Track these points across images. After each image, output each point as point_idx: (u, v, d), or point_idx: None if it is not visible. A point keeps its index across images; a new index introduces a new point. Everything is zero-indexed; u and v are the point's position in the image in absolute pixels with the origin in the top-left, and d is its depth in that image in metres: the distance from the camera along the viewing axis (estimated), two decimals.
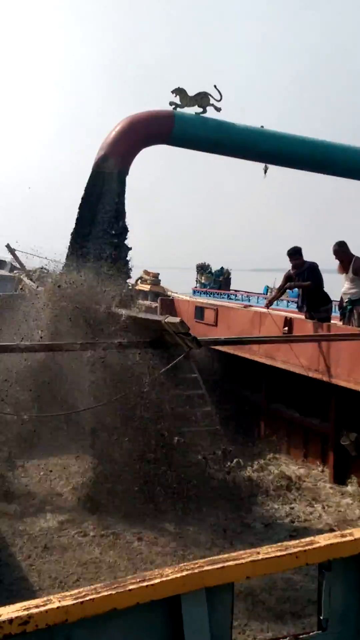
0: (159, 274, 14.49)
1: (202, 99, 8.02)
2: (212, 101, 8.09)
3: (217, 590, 1.95)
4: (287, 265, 7.46)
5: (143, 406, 6.80)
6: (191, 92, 7.96)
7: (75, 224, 8.30)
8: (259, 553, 2.06)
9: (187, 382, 7.82)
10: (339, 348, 6.86)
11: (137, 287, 12.58)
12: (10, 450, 7.09)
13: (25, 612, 1.64)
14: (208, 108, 8.18)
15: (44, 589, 5.25)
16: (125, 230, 8.34)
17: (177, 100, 8.04)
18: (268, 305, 8.40)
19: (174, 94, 7.88)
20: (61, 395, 7.12)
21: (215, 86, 8.14)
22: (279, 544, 2.19)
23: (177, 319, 6.62)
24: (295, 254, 7.16)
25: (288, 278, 7.75)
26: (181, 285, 17.07)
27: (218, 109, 8.11)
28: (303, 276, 7.29)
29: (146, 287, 13.52)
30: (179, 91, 7.79)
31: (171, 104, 8.14)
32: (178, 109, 8.20)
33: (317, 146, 8.40)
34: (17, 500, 6.56)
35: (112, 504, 6.41)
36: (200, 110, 8.16)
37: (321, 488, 7.29)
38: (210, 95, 8.09)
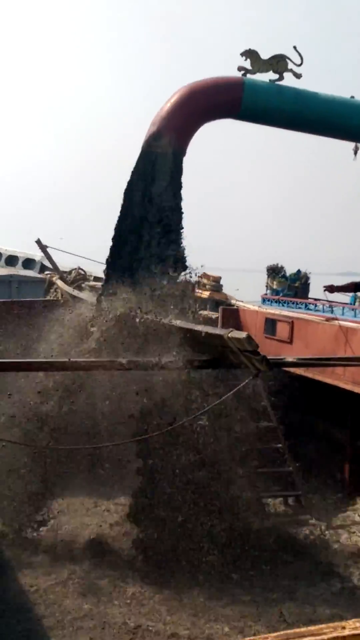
0: (220, 277, 14.46)
1: (278, 63, 7.81)
2: (290, 65, 7.90)
3: None
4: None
5: (198, 440, 6.80)
6: (265, 55, 7.82)
7: (119, 217, 8.08)
8: (344, 628, 2.22)
9: (254, 412, 7.89)
10: None
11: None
12: (44, 484, 7.14)
13: None
14: (285, 74, 8.01)
15: None
16: (180, 231, 8.10)
17: (247, 64, 7.78)
18: None
19: (244, 57, 7.65)
20: (98, 424, 7.17)
21: (295, 47, 7.96)
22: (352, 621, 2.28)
23: (243, 334, 6.17)
24: None
25: None
26: (248, 291, 16.73)
27: (298, 76, 7.88)
28: None
29: (205, 294, 13.48)
30: (250, 53, 7.57)
31: (240, 69, 7.85)
32: (249, 75, 7.94)
33: None
34: (46, 551, 6.59)
35: (162, 561, 6.49)
36: (276, 77, 7.95)
37: None
38: (289, 58, 7.91)
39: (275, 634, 2.14)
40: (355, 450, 8.68)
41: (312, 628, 2.23)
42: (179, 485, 6.73)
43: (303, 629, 2.23)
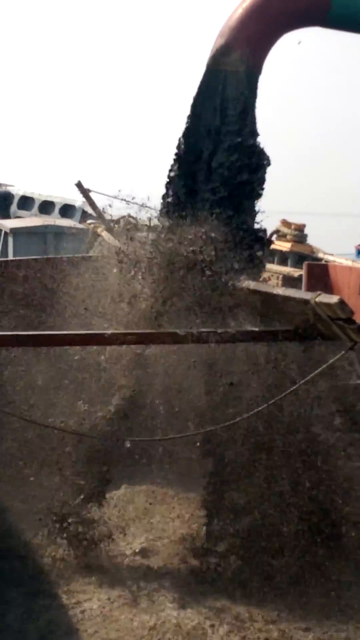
0: (304, 225, 14.35)
1: None
2: None
3: None
4: None
5: (283, 429, 6.37)
6: None
7: (179, 149, 7.65)
8: None
9: (350, 392, 7.27)
10: None
11: (272, 246, 11.93)
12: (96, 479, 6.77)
13: None
14: None
15: None
16: (261, 154, 7.47)
17: None
18: None
19: None
20: (160, 408, 6.87)
21: None
22: None
23: (334, 298, 5.70)
24: None
25: None
26: (340, 241, 16.63)
27: None
28: None
29: (285, 246, 13.62)
30: None
31: None
32: None
33: None
34: (100, 567, 6.32)
35: (262, 581, 6.04)
36: None
37: None
38: None
39: None
40: None
41: None
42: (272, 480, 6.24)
43: None
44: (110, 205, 10.03)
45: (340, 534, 6.39)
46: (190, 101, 7.91)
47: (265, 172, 7.92)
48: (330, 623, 5.77)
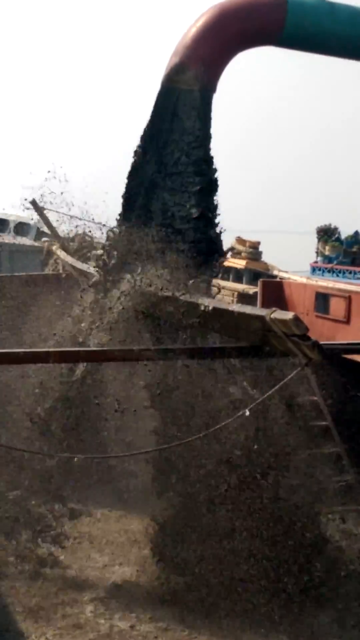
0: (259, 242, 14.64)
1: None
2: None
3: None
4: None
5: (235, 447, 6.49)
6: None
7: (133, 167, 8.10)
8: None
9: (303, 408, 7.40)
10: None
11: (226, 263, 12.80)
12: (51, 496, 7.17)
13: None
14: None
15: None
16: (213, 178, 8.11)
17: None
18: None
19: None
20: (110, 424, 7.34)
21: None
22: None
23: (289, 314, 5.84)
24: None
25: None
26: (294, 259, 17.16)
27: None
28: None
29: (240, 264, 13.88)
30: None
31: None
32: None
33: None
34: (54, 580, 6.59)
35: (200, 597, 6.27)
36: None
37: None
38: None
39: None
40: None
41: None
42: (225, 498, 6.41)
43: None
44: (64, 222, 10.51)
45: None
46: (146, 119, 8.19)
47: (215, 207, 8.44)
48: None
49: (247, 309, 6.64)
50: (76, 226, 10.16)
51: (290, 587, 6.34)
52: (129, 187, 8.69)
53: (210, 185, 8.53)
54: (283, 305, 9.54)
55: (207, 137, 8.37)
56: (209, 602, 6.31)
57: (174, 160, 8.14)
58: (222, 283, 11.48)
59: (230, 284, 13.09)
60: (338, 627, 6.37)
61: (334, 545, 7.11)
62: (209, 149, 8.38)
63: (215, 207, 8.64)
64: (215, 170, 8.52)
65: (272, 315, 5.64)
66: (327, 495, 7.32)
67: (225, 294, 11.85)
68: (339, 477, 7.84)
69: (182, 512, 6.66)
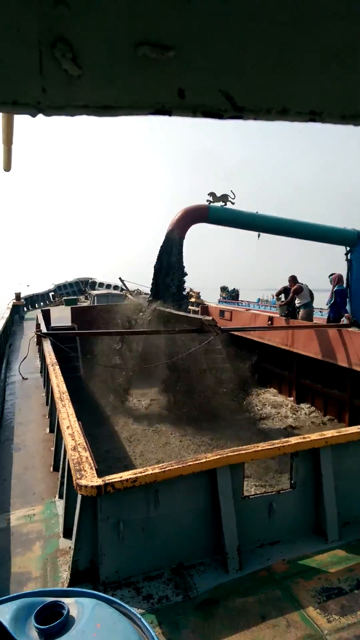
0: (199, 292, 20.15)
1: (223, 197, 12.40)
2: (229, 199, 12.41)
3: (236, 466, 3.44)
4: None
5: (193, 365, 10.97)
6: (219, 194, 12.18)
7: (155, 272, 12.28)
8: (258, 446, 3.50)
9: (216, 352, 12.11)
10: (297, 332, 11.60)
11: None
12: (125, 384, 11.30)
13: (134, 475, 3.18)
14: (228, 204, 12.47)
15: (136, 460, 8.06)
16: (183, 272, 12.43)
17: (210, 198, 12.38)
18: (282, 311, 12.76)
19: (209, 195, 12.08)
20: (151, 359, 11.16)
21: (231, 191, 12.34)
22: (270, 441, 3.72)
23: (209, 317, 10.97)
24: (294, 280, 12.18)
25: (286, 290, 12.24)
26: (212, 297, 24.47)
27: (233, 203, 12.52)
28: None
29: (193, 299, 18.52)
30: (212, 194, 11.92)
31: (207, 200, 12.44)
32: (211, 204, 12.38)
33: (291, 223, 12.68)
34: (127, 412, 10.66)
35: (178, 417, 10.12)
36: (223, 204, 12.40)
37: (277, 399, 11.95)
38: (229, 195, 12.37)
39: (229, 449, 3.40)
40: (259, 367, 13.20)
41: (245, 447, 3.58)
42: (185, 383, 10.70)
43: (241, 447, 3.55)
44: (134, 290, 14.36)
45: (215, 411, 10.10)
46: (158, 252, 12.45)
47: (184, 282, 12.41)
48: None
49: (196, 316, 10.98)
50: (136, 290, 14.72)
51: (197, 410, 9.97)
52: (154, 280, 12.63)
53: (180, 281, 12.32)
54: (209, 314, 14.06)
55: (181, 258, 12.35)
56: (194, 415, 9.98)
57: (168, 271, 12.11)
58: (190, 308, 14.94)
59: (190, 307, 15.70)
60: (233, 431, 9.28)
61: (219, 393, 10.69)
62: (182, 263, 12.31)
63: (183, 284, 12.50)
64: (184, 274, 12.44)
65: (204, 318, 10.08)
66: (221, 380, 11.35)
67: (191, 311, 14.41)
68: (230, 378, 11.56)
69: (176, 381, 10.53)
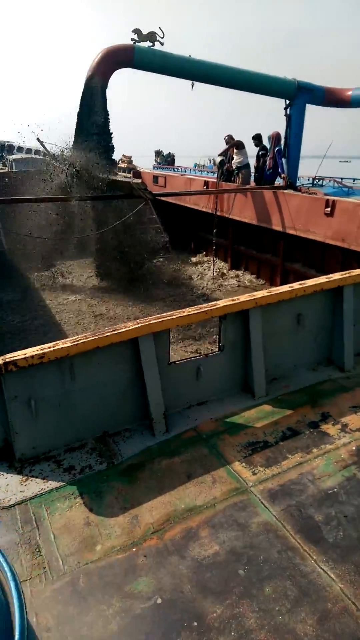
0: (131, 157, 19.09)
1: (151, 36, 10.84)
2: (158, 37, 10.82)
3: (160, 333, 3.29)
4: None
5: (124, 234, 10.64)
6: (145, 32, 10.54)
7: (76, 125, 11.02)
8: (184, 312, 3.42)
9: (149, 221, 12.13)
10: (230, 197, 11.44)
11: (118, 165, 15.66)
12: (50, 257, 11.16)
13: (41, 351, 2.98)
14: (156, 43, 10.86)
15: (67, 330, 8.08)
16: (109, 130, 11.00)
17: (135, 36, 10.76)
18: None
19: (134, 33, 10.45)
20: (75, 228, 10.61)
21: (160, 27, 10.77)
22: (197, 306, 3.56)
23: (139, 180, 10.21)
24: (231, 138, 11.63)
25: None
26: (145, 164, 23.28)
27: (162, 44, 10.86)
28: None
29: (124, 165, 17.89)
30: (136, 31, 10.32)
31: (132, 39, 10.78)
32: (137, 43, 10.72)
33: (227, 70, 11.31)
34: (61, 289, 10.57)
35: (110, 288, 10.14)
36: (151, 44, 10.76)
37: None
38: (157, 34, 10.78)
39: (152, 316, 3.37)
40: (194, 234, 13.67)
41: (169, 312, 3.47)
42: (118, 253, 10.70)
43: (166, 313, 3.42)
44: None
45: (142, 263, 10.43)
46: (79, 102, 10.77)
47: (110, 136, 11.18)
48: None
49: (125, 179, 10.38)
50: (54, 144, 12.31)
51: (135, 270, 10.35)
52: (77, 128, 11.18)
53: (105, 133, 11.28)
54: (142, 179, 13.28)
55: (105, 109, 10.99)
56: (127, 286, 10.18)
57: (93, 121, 10.81)
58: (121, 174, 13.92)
59: (121, 174, 14.94)
60: None
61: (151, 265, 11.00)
62: (107, 116, 11.09)
63: (111, 140, 11.27)
64: (110, 132, 11.32)
65: (133, 181, 9.60)
66: (155, 249, 11.49)
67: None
68: (163, 245, 11.84)
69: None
